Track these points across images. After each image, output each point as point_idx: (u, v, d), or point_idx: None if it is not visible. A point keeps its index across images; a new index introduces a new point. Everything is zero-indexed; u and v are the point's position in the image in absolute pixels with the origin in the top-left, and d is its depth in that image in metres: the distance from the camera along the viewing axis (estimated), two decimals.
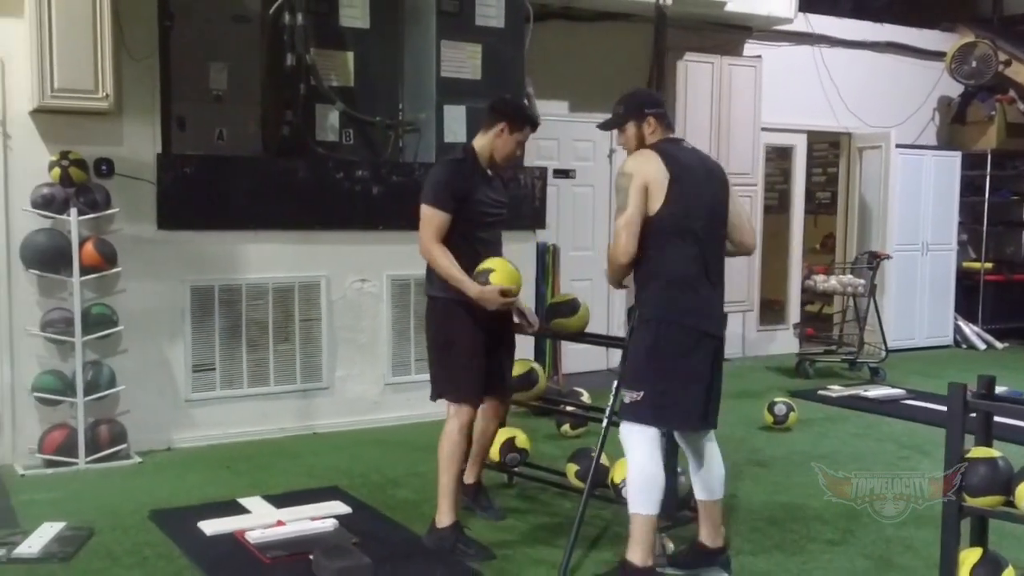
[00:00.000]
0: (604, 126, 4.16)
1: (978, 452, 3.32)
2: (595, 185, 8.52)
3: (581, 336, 4.83)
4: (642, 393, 3.72)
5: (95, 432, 5.53)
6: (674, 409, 3.77)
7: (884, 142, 9.71)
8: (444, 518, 4.24)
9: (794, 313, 9.89)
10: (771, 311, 9.99)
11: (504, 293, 4.10)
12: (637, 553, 3.71)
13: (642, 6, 7.92)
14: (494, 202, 4.40)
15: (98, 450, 5.51)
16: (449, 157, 4.54)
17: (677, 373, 3.74)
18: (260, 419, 6.18)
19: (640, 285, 3.86)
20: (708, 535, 4.02)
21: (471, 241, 4.27)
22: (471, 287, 4.11)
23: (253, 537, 4.27)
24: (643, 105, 3.94)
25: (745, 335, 9.41)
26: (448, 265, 4.14)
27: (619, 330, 8.36)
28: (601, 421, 5.12)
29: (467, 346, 4.25)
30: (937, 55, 10.31)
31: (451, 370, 4.29)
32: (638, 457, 3.75)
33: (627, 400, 3.78)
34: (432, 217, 4.19)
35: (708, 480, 3.98)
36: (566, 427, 6.24)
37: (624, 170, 3.77)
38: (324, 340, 6.37)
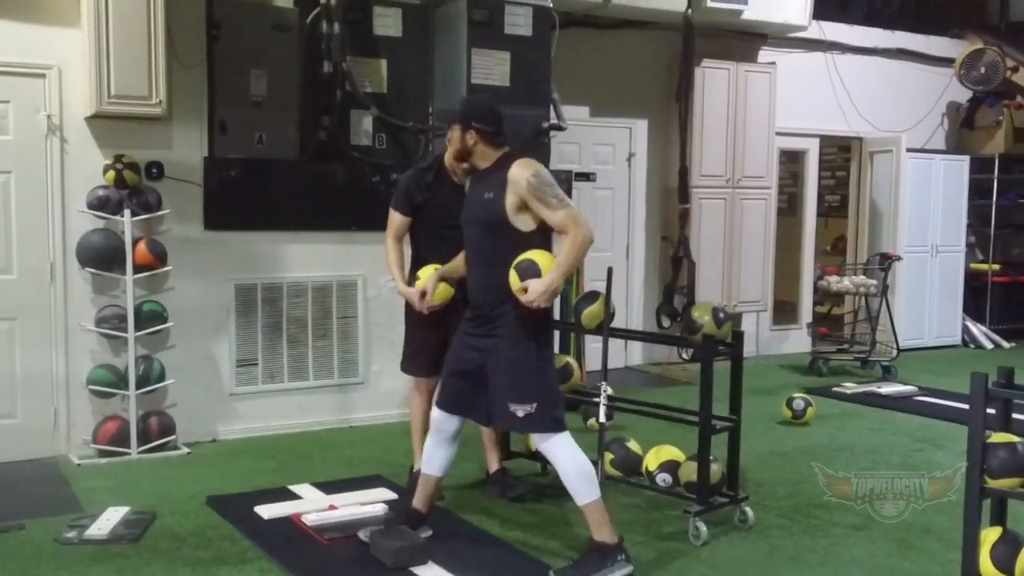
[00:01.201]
0: (440, 117, 4.15)
1: (998, 437, 3.54)
2: (615, 188, 8.78)
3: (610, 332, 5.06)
4: (535, 405, 3.89)
5: (146, 424, 5.78)
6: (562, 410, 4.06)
7: (895, 146, 9.94)
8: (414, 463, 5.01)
9: (806, 313, 10.12)
10: (782, 311, 10.22)
11: (423, 295, 4.47)
12: (605, 532, 3.97)
13: (662, 14, 8.16)
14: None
15: (148, 441, 5.76)
16: (417, 165, 5.14)
17: (554, 379, 4.11)
18: (299, 412, 6.44)
19: (508, 292, 3.90)
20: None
21: (433, 240, 4.83)
22: (399, 283, 4.83)
23: (310, 520, 4.52)
24: (471, 117, 4.05)
25: (759, 334, 9.64)
26: (389, 260, 4.91)
27: (636, 326, 8.62)
28: (629, 412, 5.43)
29: (415, 328, 4.94)
30: (946, 61, 10.55)
31: (405, 346, 5.07)
32: (566, 458, 3.95)
33: (521, 414, 3.91)
34: (391, 216, 4.97)
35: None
36: (592, 421, 6.47)
37: (538, 170, 3.92)
38: (360, 337, 6.62)
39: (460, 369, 4.12)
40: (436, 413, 4.23)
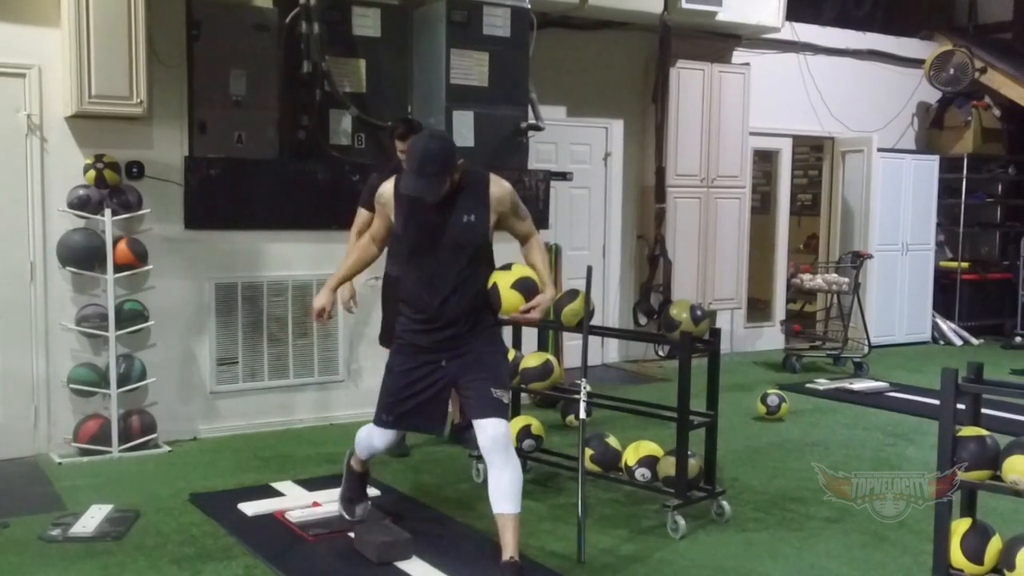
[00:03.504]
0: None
1: (968, 431, 3.65)
2: (591, 187, 8.86)
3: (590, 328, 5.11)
4: (508, 393, 4.00)
5: (127, 422, 5.80)
6: None
7: (866, 146, 10.10)
8: None
9: (780, 311, 10.26)
10: (756, 309, 10.34)
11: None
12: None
13: (638, 15, 8.23)
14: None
15: (130, 439, 5.77)
16: (388, 168, 5.22)
17: None
18: (280, 410, 6.47)
19: (484, 297, 3.88)
20: None
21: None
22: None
23: (294, 517, 4.57)
24: (453, 161, 3.79)
25: (733, 332, 9.76)
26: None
27: (613, 324, 8.71)
28: (608, 408, 5.51)
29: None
30: (916, 63, 10.72)
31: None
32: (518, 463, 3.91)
33: (505, 400, 3.91)
34: (358, 214, 5.31)
35: None
36: (571, 418, 6.55)
37: (506, 183, 3.92)
38: (340, 335, 6.66)
39: (423, 395, 3.97)
40: (386, 435, 4.15)
